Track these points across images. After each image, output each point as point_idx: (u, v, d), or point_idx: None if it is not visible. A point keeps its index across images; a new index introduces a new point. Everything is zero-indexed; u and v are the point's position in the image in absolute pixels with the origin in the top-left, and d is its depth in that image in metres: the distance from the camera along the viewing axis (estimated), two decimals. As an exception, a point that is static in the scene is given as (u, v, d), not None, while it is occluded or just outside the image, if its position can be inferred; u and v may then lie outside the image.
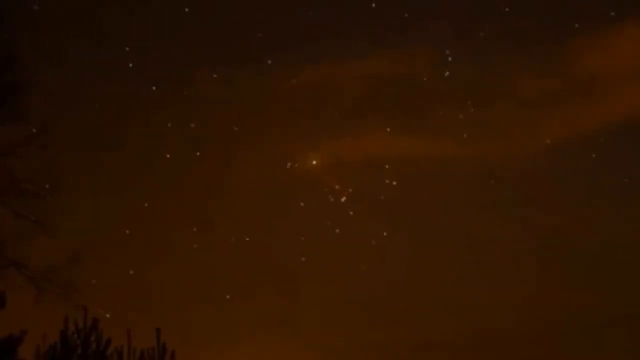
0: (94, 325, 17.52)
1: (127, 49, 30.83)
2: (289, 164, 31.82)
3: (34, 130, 20.79)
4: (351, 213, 31.78)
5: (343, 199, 31.71)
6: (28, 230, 20.82)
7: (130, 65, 30.85)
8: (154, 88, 31.43)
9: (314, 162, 31.99)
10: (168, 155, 31.42)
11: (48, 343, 17.33)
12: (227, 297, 30.65)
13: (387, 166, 32.03)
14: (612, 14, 31.54)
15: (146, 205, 31.18)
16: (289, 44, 31.63)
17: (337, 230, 31.74)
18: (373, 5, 31.70)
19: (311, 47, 31.45)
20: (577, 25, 31.70)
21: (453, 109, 32.14)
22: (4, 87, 20.27)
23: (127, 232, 30.64)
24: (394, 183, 31.94)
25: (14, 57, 20.46)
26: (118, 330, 17.57)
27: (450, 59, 31.98)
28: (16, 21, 20.66)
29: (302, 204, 31.89)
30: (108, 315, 24.27)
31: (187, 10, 31.30)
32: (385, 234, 31.76)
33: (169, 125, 31.61)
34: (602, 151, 31.94)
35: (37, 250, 21.12)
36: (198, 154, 31.68)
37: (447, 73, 32.06)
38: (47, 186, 20.77)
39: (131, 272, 30.18)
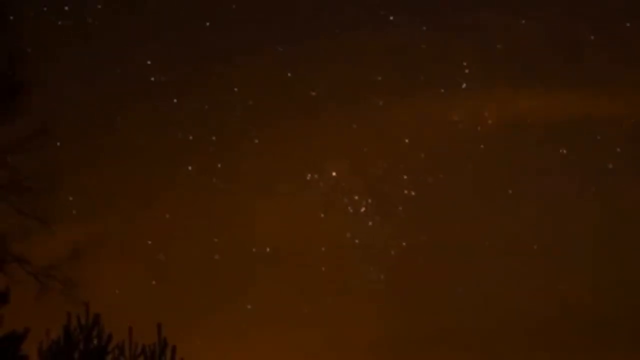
0: (96, 321, 17.79)
1: (148, 62, 31.46)
2: (309, 176, 32.08)
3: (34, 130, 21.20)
4: (370, 223, 31.98)
5: (362, 210, 31.94)
6: (30, 227, 21.23)
7: (152, 79, 31.48)
8: (175, 101, 31.93)
9: (334, 174, 32.25)
10: (190, 168, 31.90)
11: (51, 338, 17.64)
12: (249, 307, 30.91)
13: (405, 177, 32.24)
14: (628, 24, 31.72)
15: (167, 216, 31.63)
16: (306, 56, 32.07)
17: (357, 241, 31.97)
18: (391, 18, 32.13)
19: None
20: (592, 37, 31.96)
21: (471, 122, 32.34)
22: (5, 87, 20.71)
23: (149, 242, 31.10)
24: (413, 194, 32.12)
25: (14, 57, 20.92)
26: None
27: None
28: (17, 21, 21.13)
29: (322, 215, 32.14)
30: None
31: (207, 24, 31.89)
32: (404, 244, 31.90)
33: (191, 138, 32.07)
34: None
35: (40, 247, 21.52)
36: (219, 165, 32.10)
37: (464, 85, 32.37)
38: (47, 184, 21.15)
39: (153, 282, 30.66)
